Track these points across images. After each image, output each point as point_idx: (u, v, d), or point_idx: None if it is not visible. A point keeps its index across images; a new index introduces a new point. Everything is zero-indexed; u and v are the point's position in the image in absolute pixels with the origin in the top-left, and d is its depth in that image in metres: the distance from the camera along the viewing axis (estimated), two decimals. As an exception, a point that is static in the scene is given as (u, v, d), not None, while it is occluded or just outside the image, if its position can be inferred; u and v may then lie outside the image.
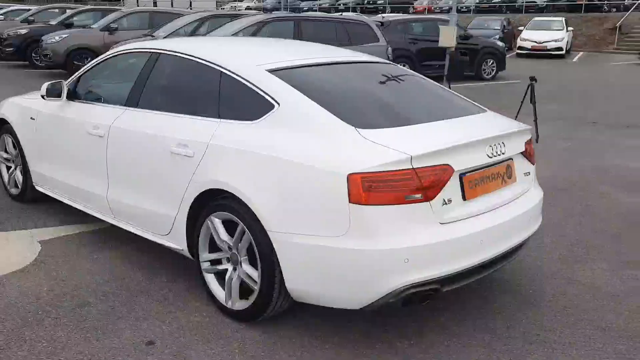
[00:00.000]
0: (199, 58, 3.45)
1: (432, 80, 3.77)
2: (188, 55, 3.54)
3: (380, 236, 2.58)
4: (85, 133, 3.95)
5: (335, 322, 3.13)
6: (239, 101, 3.16)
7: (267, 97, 3.04)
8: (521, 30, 23.45)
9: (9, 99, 5.06)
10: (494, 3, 33.15)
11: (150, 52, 3.83)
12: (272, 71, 3.19)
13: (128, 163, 3.63)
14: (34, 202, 4.94)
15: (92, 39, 13.90)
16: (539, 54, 22.01)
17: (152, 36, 12.59)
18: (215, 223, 3.12)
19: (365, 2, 39.30)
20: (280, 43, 4.00)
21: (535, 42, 22.01)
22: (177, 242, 3.40)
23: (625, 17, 26.25)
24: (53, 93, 4.21)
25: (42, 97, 4.23)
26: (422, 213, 2.63)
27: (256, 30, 10.20)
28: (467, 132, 2.93)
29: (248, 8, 44.42)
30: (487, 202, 2.93)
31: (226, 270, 3.17)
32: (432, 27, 14.75)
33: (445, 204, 2.71)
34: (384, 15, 17.90)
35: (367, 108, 3.06)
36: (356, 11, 37.97)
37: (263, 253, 2.88)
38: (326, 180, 2.64)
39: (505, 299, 3.44)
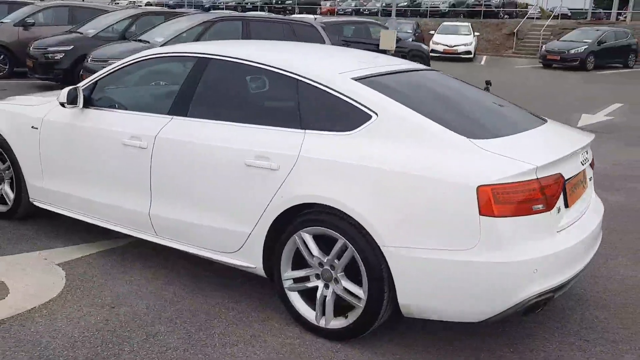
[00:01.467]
0: (268, 65, 3.26)
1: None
2: (252, 62, 3.32)
3: (512, 248, 2.58)
4: (118, 144, 3.60)
5: (428, 330, 3.09)
6: (326, 111, 3.02)
7: (361, 107, 2.93)
8: (432, 34, 24.48)
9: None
10: (399, 7, 34.27)
11: (195, 56, 3.56)
12: (357, 80, 3.08)
13: (181, 177, 3.36)
14: (22, 221, 4.44)
15: (4, 35, 12.70)
16: (450, 56, 23.09)
17: (80, 33, 11.76)
18: (306, 239, 2.97)
19: (274, 1, 39.18)
20: (332, 49, 3.87)
21: (447, 45, 23.09)
22: (249, 259, 3.20)
23: (520, 24, 28.20)
24: (67, 100, 3.80)
25: (62, 104, 3.80)
26: (545, 223, 2.66)
27: (203, 31, 9.83)
28: (565, 141, 3.01)
29: (148, 4, 42.80)
30: (579, 208, 3.02)
31: (315, 287, 3.02)
32: (363, 30, 15.07)
33: (557, 212, 2.76)
34: (315, 16, 17.94)
35: (460, 118, 3.04)
36: (264, 10, 37.78)
37: (371, 268, 2.78)
38: (453, 192, 2.59)
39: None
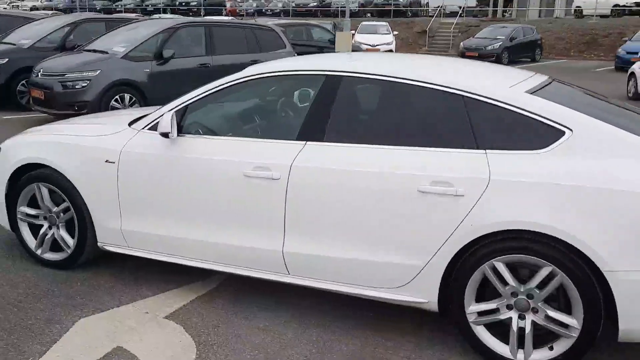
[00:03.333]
0: (427, 83, 2.99)
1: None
2: (404, 79, 3.04)
3: None
4: (236, 176, 3.18)
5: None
6: (507, 129, 2.81)
7: (551, 123, 2.76)
8: (352, 34, 24.67)
9: (23, 138, 3.87)
10: (309, 7, 34.36)
11: (321, 75, 3.22)
12: (531, 94, 2.91)
13: (327, 209, 3.01)
14: (81, 269, 3.85)
15: None
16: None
17: (12, 44, 10.57)
18: (500, 268, 2.76)
19: (178, 3, 37.83)
20: (458, 61, 3.60)
21: (370, 45, 23.37)
22: (419, 294, 2.94)
23: (431, 23, 29.23)
24: (163, 129, 3.31)
25: (164, 135, 3.29)
26: None
27: (167, 37, 9.20)
28: None
29: (34, 8, 39.91)
30: None
31: (508, 319, 2.82)
32: (304, 32, 14.91)
33: None
34: (256, 19, 17.44)
35: (633, 125, 2.94)
36: (167, 12, 36.37)
37: (587, 294, 2.62)
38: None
39: None
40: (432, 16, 32.18)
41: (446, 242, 2.81)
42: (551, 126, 2.76)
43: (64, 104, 8.52)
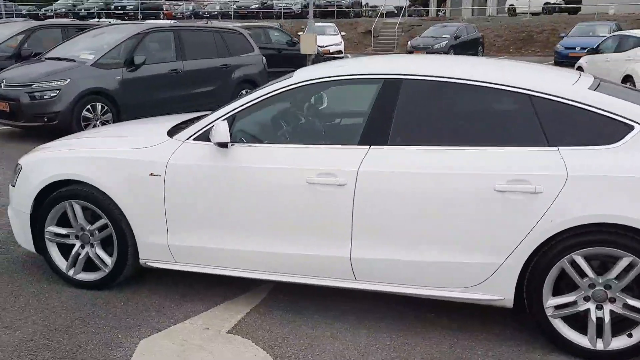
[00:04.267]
0: (493, 83, 3.02)
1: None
2: (468, 80, 3.06)
3: None
4: (297, 183, 3.12)
5: None
6: (577, 126, 2.89)
7: (619, 118, 2.86)
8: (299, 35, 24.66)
9: (47, 154, 3.66)
10: (251, 9, 34.11)
11: (378, 78, 3.19)
12: (593, 90, 2.99)
13: (398, 212, 3.00)
14: (116, 287, 3.67)
15: None
16: (325, 57, 23.47)
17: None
18: (579, 261, 2.82)
19: (113, 7, 36.66)
20: (519, 64, 3.63)
21: (320, 46, 23.39)
22: (495, 291, 2.97)
23: (375, 23, 29.64)
24: (217, 138, 3.20)
25: (222, 145, 3.17)
26: None
27: (137, 42, 8.91)
28: None
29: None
30: None
31: (585, 310, 2.89)
32: (262, 34, 14.80)
33: None
34: (208, 21, 17.08)
35: None
36: (101, 17, 35.16)
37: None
38: None
39: None
40: (371, 16, 32.68)
41: (524, 239, 2.85)
42: (620, 121, 2.86)
43: (32, 115, 8.08)
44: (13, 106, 8.14)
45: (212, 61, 9.96)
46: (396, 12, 37.55)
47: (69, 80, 8.18)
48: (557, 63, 20.59)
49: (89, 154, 3.52)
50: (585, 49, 20.14)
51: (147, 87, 8.96)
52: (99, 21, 19.20)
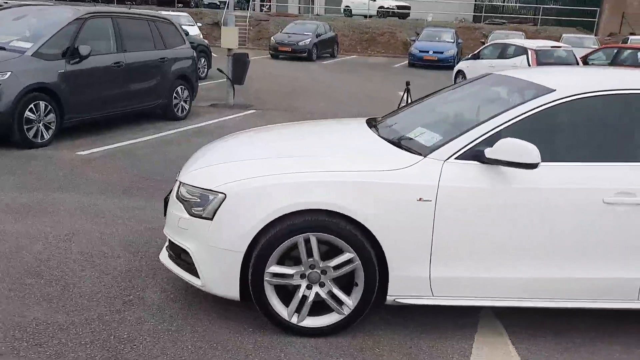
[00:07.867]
0: None
1: None
2: None
3: None
4: (596, 203, 2.97)
5: None
6: None
7: None
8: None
9: (272, 178, 2.99)
10: None
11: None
12: None
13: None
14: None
15: None
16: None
17: None
18: None
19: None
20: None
21: (180, 38, 22.16)
22: None
23: (223, 15, 28.82)
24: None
25: (531, 165, 2.83)
26: None
27: (77, 29, 7.56)
28: None
29: None
30: None
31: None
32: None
33: None
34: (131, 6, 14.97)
35: None
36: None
37: None
38: None
39: None
40: (219, 7, 31.67)
41: None
42: None
43: (-38, 118, 6.43)
44: None
45: (150, 54, 8.87)
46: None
47: (9, 73, 6.66)
48: (411, 64, 22.21)
49: (333, 178, 2.94)
50: (437, 52, 22.11)
51: (92, 83, 7.68)
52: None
